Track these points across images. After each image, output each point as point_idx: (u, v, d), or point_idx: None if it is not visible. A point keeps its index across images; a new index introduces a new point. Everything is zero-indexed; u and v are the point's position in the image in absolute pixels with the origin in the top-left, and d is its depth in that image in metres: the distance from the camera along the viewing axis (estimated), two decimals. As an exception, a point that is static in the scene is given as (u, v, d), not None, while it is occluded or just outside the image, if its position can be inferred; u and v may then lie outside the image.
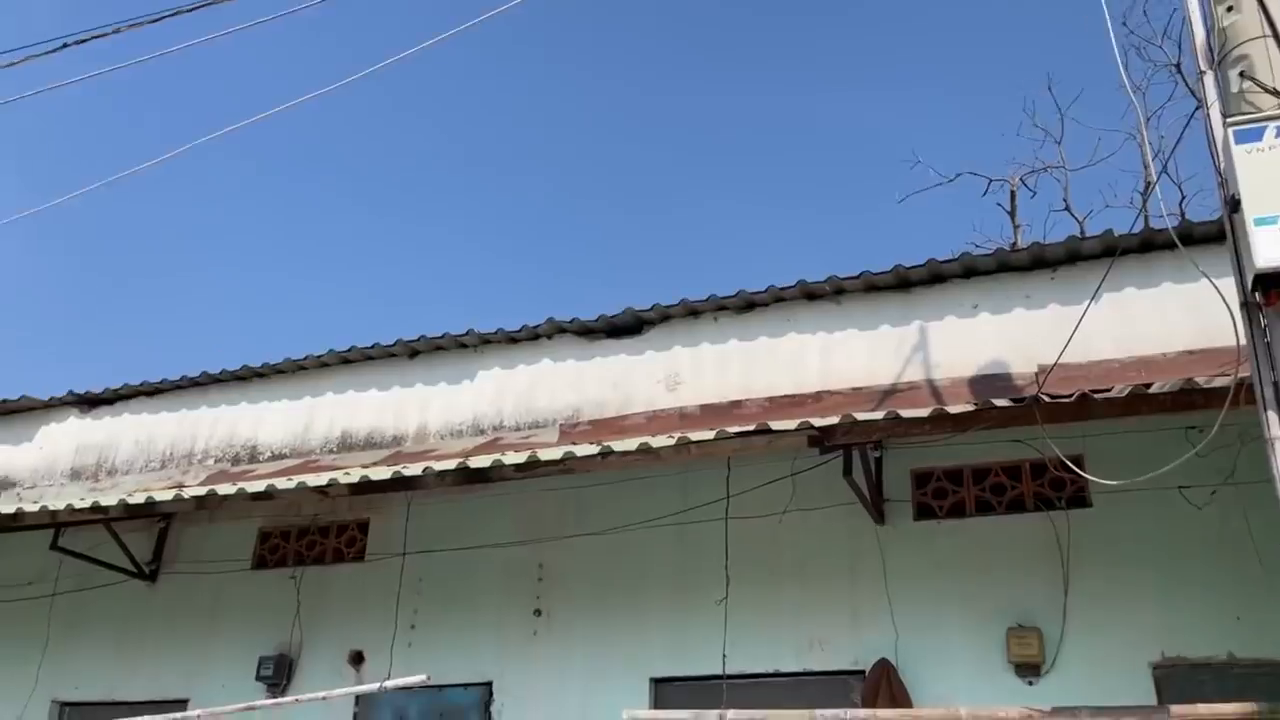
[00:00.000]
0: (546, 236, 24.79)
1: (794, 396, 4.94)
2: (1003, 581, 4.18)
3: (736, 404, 5.01)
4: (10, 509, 4.78)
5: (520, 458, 4.01)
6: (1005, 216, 12.43)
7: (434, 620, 5.08)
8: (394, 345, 5.79)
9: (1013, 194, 12.39)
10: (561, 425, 5.34)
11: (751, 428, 3.74)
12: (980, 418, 3.55)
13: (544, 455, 3.97)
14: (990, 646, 4.08)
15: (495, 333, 5.63)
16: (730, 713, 3.55)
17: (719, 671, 4.35)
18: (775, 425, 3.73)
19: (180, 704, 5.15)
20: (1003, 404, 3.57)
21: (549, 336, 5.60)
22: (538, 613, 4.90)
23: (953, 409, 3.56)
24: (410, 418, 5.66)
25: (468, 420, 5.54)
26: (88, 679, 5.61)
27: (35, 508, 4.77)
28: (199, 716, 4.81)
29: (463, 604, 5.06)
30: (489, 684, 4.84)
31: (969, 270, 4.85)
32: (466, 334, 5.65)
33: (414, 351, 5.83)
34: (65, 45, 4.21)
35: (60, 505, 4.73)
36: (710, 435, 3.78)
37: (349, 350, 5.87)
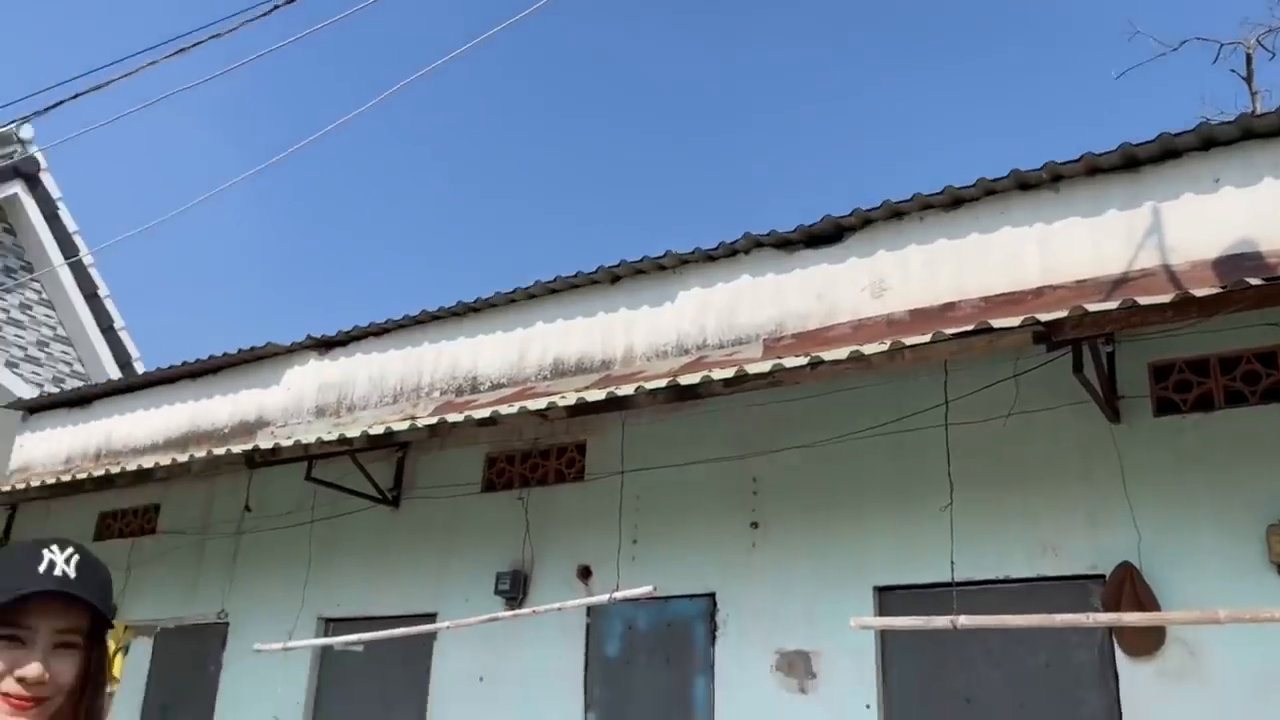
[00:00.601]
0: (739, 148, 24.49)
1: (1011, 295, 4.69)
2: (1260, 476, 3.86)
3: (949, 306, 4.81)
4: (269, 445, 5.25)
5: (728, 372, 4.01)
6: (1240, 84, 11.27)
7: (654, 535, 5.23)
8: (596, 272, 5.89)
9: (1248, 57, 11.20)
10: (765, 340, 5.30)
11: (970, 327, 3.58)
12: (1231, 300, 3.25)
13: (752, 369, 3.96)
14: (1247, 546, 3.80)
15: (693, 252, 5.62)
16: (962, 618, 3.48)
17: (945, 579, 4.26)
18: (996, 323, 3.55)
19: (429, 617, 5.56)
20: (1257, 283, 3.25)
21: (746, 252, 5.54)
22: (754, 525, 4.95)
23: (1199, 292, 3.28)
24: (617, 341, 5.77)
25: (671, 341, 5.59)
26: (346, 596, 6.14)
27: (289, 443, 5.21)
28: (447, 627, 5.18)
29: (681, 518, 5.18)
30: (712, 595, 4.95)
31: (1207, 141, 4.41)
32: (664, 256, 5.67)
33: (615, 277, 5.91)
34: (276, 7, 4.44)
35: (310, 439, 5.14)
36: (925, 339, 3.65)
37: (554, 280, 6.02)
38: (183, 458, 5.69)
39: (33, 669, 1.29)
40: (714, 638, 4.88)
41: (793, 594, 4.72)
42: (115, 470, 5.94)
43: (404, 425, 4.77)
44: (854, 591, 4.52)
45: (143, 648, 6.75)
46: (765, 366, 3.91)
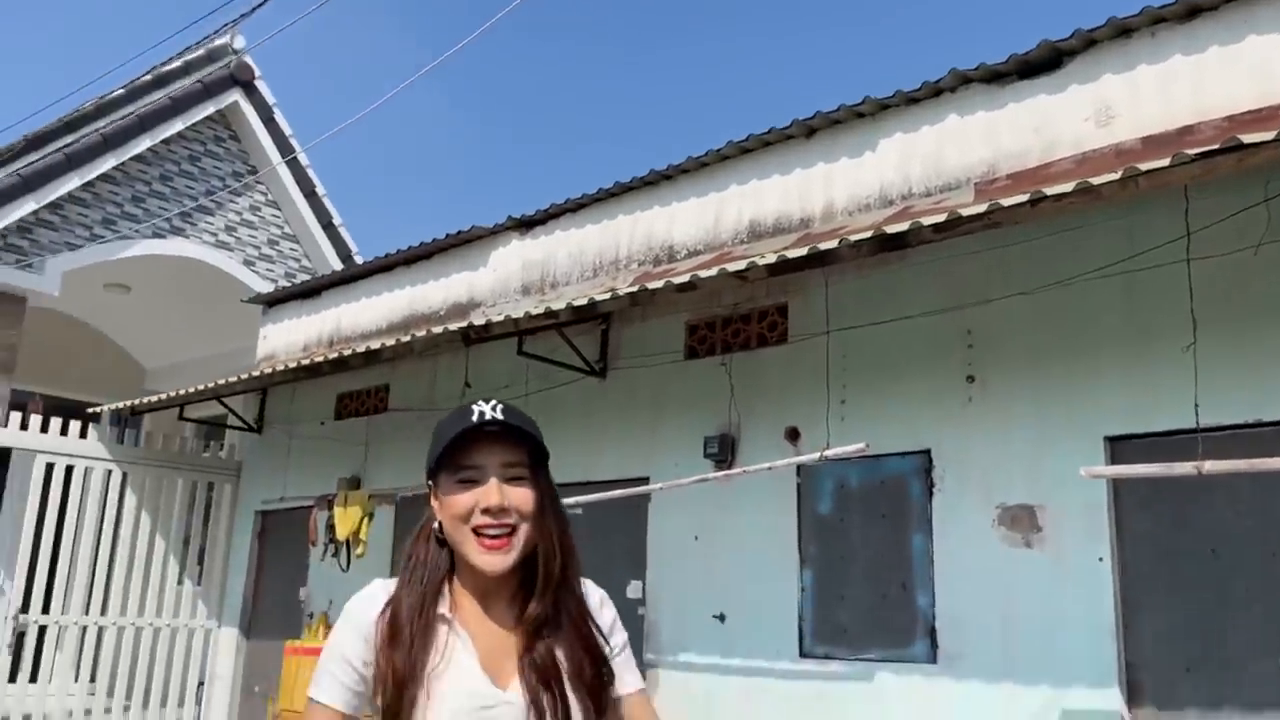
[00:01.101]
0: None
1: (1259, 111, 4.16)
2: None
3: (1186, 130, 4.33)
4: (481, 322, 5.45)
5: (939, 217, 3.78)
6: None
7: (863, 394, 5.12)
8: (790, 127, 5.67)
9: None
10: (976, 184, 4.97)
11: (1216, 146, 3.19)
12: None
13: (966, 211, 3.71)
14: None
15: (893, 96, 5.29)
16: (1208, 463, 3.23)
17: (1186, 425, 3.95)
18: (1246, 139, 3.16)
19: (642, 481, 5.72)
20: None
21: (952, 90, 5.16)
22: (970, 379, 4.75)
23: None
24: (815, 198, 5.58)
25: (873, 192, 5.34)
26: (563, 463, 6.35)
27: (500, 318, 5.39)
28: (659, 489, 5.31)
29: (891, 376, 5.03)
30: (926, 451, 4.82)
31: None
32: (863, 103, 5.38)
33: (810, 130, 5.67)
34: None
35: (519, 314, 5.29)
36: (1164, 163, 3.29)
37: (747, 139, 5.85)
38: (405, 338, 6.01)
39: (492, 497, 1.45)
40: (931, 494, 4.77)
41: (1014, 447, 4.53)
42: (347, 353, 6.35)
43: (605, 295, 4.82)
44: (1083, 443, 4.28)
45: (385, 515, 7.32)
46: (981, 207, 3.65)
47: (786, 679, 5.08)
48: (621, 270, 6.43)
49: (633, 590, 5.94)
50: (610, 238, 6.58)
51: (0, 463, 8.59)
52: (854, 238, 3.99)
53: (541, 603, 1.50)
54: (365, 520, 7.18)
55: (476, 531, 1.46)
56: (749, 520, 5.42)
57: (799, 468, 5.22)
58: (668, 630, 5.65)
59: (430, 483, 1.52)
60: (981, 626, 4.46)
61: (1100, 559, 4.16)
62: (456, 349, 7.14)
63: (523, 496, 1.48)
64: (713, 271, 4.39)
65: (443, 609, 1.49)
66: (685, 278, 4.47)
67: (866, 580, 4.94)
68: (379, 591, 1.52)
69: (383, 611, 1.48)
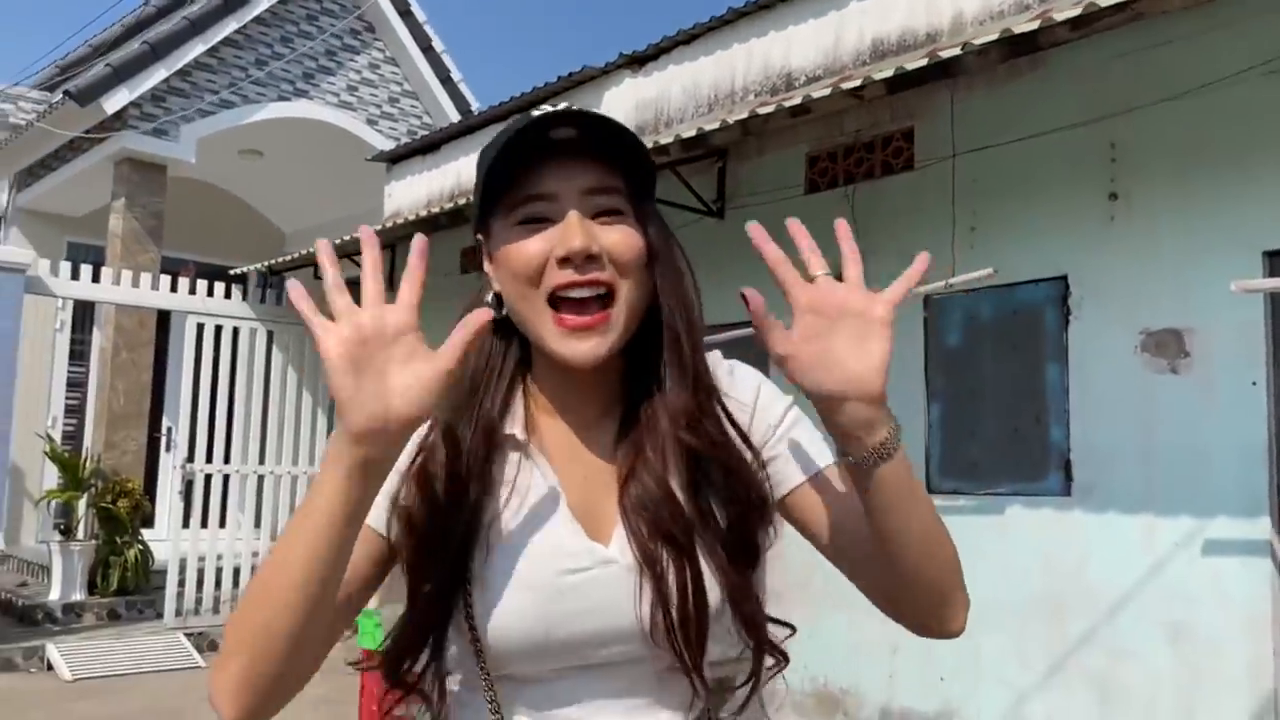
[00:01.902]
0: None
1: None
2: None
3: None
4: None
5: (1073, 11, 3.40)
6: None
7: (995, 219, 4.80)
8: (915, -69, 5.19)
9: None
10: (1126, -21, 4.46)
11: None
12: None
13: (1104, 1, 3.32)
14: None
15: (1032, -116, 4.75)
16: (1384, 268, 2.88)
17: (1362, 234, 3.55)
18: None
19: (762, 321, 5.60)
20: None
21: (1101, -128, 4.59)
22: (1113, 196, 4.38)
23: None
24: (942, 8, 5.13)
25: (1009, -3, 4.87)
26: (683, 307, 6.32)
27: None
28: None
29: (1024, 199, 4.69)
30: (1063, 277, 4.51)
31: None
32: (997, -105, 4.85)
33: (938, -67, 5.18)
34: None
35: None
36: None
37: (867, -51, 5.41)
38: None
39: (574, 236, 0.92)
40: (1067, 322, 4.49)
41: (1160, 268, 4.18)
42: (461, 202, 6.36)
43: (714, 124, 4.61)
44: (1237, 259, 3.90)
45: (512, 364, 7.46)
46: (1121, -6, 3.25)
47: (912, 514, 4.99)
48: (738, 103, 6.15)
49: (756, 430, 5.91)
50: (725, 69, 6.28)
51: (162, 325, 9.14)
52: (979, 41, 3.64)
53: (687, 415, 0.99)
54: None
55: (554, 299, 0.95)
56: (873, 356, 5.25)
57: (926, 300, 5.00)
58: (791, 469, 5.62)
59: (479, 237, 1.03)
60: (1119, 457, 4.24)
61: (1254, 382, 3.85)
62: (573, 196, 7.07)
63: (622, 238, 0.96)
64: (826, 91, 4.12)
65: (513, 429, 1.00)
66: (797, 98, 4.21)
67: (997, 414, 4.74)
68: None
69: (433, 424, 0.98)
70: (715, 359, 1.12)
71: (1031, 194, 4.65)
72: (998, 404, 4.74)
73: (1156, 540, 4.10)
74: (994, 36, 3.64)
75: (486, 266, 1.04)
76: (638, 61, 6.88)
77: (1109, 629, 4.23)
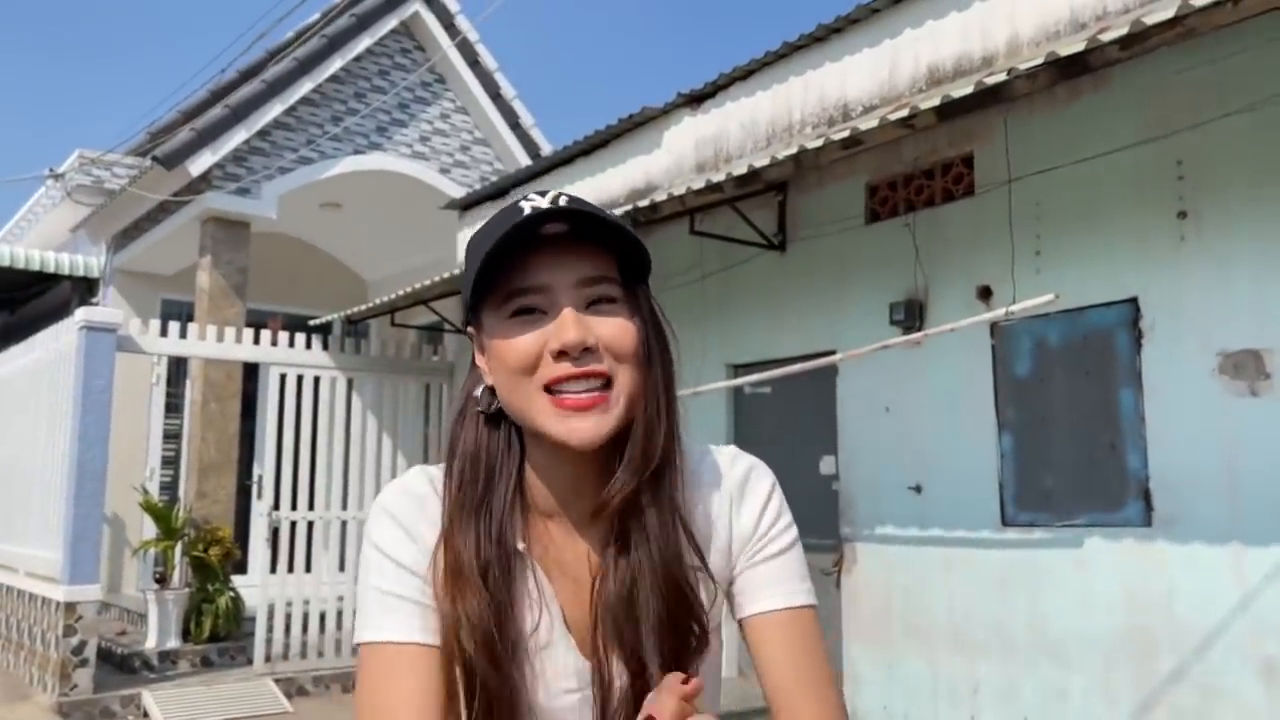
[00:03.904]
0: None
1: None
2: None
3: None
4: (645, 202, 5.37)
5: (1120, 30, 3.31)
6: None
7: (1059, 243, 4.68)
8: (966, -45, 5.13)
9: None
10: (1187, -10, 4.33)
11: None
12: None
13: (1151, 19, 3.22)
14: None
15: (1083, -99, 4.66)
16: None
17: None
18: None
19: (828, 355, 5.53)
20: None
21: (1155, -116, 4.48)
22: (1182, 215, 4.23)
23: None
24: (996, 32, 5.05)
25: (1063, 17, 4.76)
26: (747, 343, 6.30)
27: (664, 196, 5.28)
28: (841, 359, 5.12)
29: (1088, 221, 4.56)
30: (1133, 299, 4.37)
31: None
32: (1048, -86, 4.77)
33: (990, -45, 5.11)
34: None
35: (681, 190, 5.16)
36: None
37: (919, -24, 5.36)
38: (577, 227, 6.02)
39: (568, 330, 0.91)
40: (1139, 345, 4.34)
41: (1235, 287, 4.02)
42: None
43: (765, 160, 4.60)
44: (1317, 275, 3.73)
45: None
46: (1171, 10, 3.16)
47: (988, 548, 4.86)
48: (795, 136, 6.14)
49: (825, 466, 5.83)
50: (782, 103, 6.28)
51: (249, 376, 9.45)
52: (1025, 66, 3.57)
53: (624, 493, 0.94)
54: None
55: (551, 388, 0.93)
56: (942, 387, 5.15)
57: (993, 328, 4.89)
58: (863, 504, 5.52)
59: (470, 329, 1.03)
60: (1202, 485, 4.06)
61: (1341, 405, 3.66)
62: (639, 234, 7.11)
63: (617, 329, 0.94)
64: (874, 122, 4.08)
65: (514, 538, 0.98)
66: (846, 130, 4.18)
67: (1071, 442, 4.60)
68: (424, 488, 1.02)
69: (438, 544, 0.97)
70: (731, 455, 1.09)
71: (1096, 216, 4.53)
72: (1071, 432, 4.59)
73: (1245, 571, 3.90)
74: (1042, 60, 3.57)
75: (479, 359, 1.03)
76: (696, 100, 6.92)
77: (1199, 665, 4.03)
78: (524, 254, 0.94)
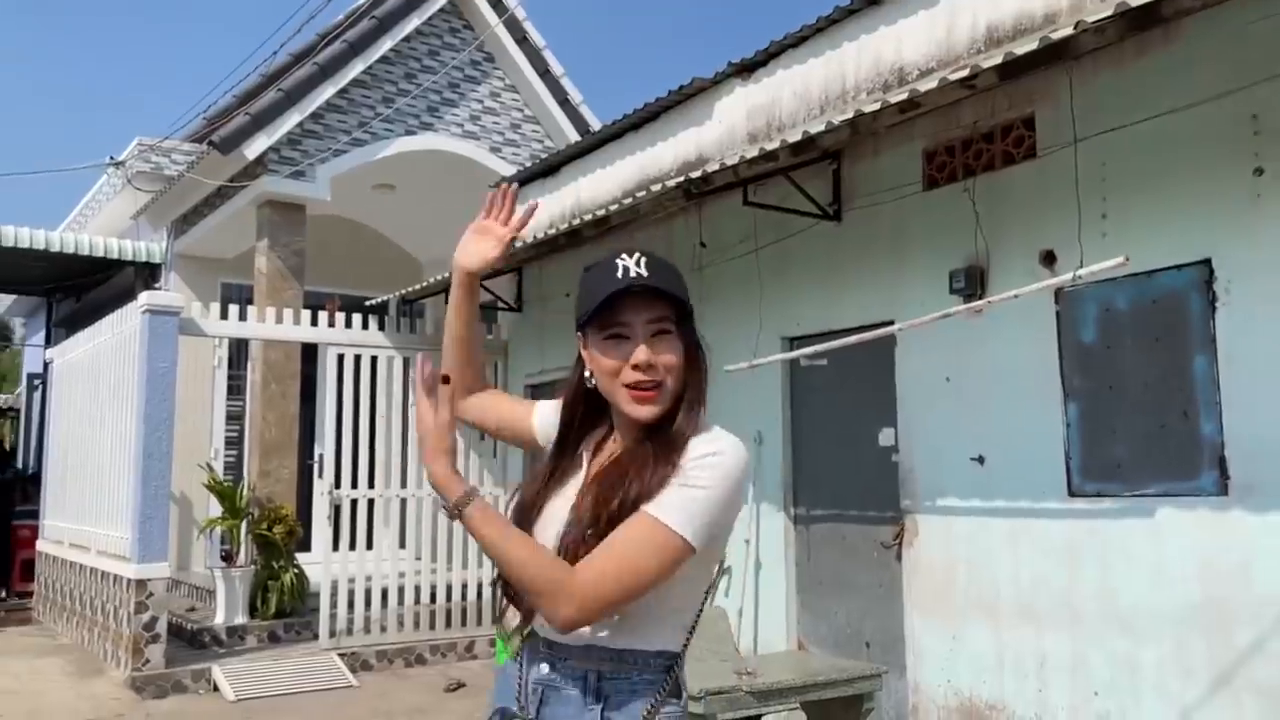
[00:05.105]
0: None
1: None
2: None
3: None
4: (698, 173, 5.30)
5: (1199, -24, 3.17)
6: None
7: (1126, 205, 4.53)
8: (1026, -91, 4.96)
9: None
10: (1262, -63, 4.14)
11: None
12: None
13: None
14: None
15: None
16: None
17: None
18: None
19: (886, 325, 5.44)
20: None
21: None
22: (1259, 172, 4.06)
23: None
24: (1060, -13, 4.89)
25: (1132, -32, 4.58)
26: (803, 315, 6.21)
27: (715, 166, 5.21)
28: (900, 329, 5.03)
29: (1157, 181, 4.41)
30: (1206, 261, 4.21)
31: None
32: None
33: (1051, -92, 4.94)
34: None
35: (735, 160, 5.09)
36: None
37: (976, -67, 5.20)
38: (629, 201, 5.97)
39: (640, 354, 1.51)
40: (1214, 308, 4.19)
41: (1315, 245, 3.85)
42: (578, 222, 6.42)
43: (820, 126, 4.51)
44: (1405, 230, 3.56)
45: (637, 379, 7.47)
46: (1248, -45, 3.01)
47: (1055, 519, 4.75)
48: (849, 102, 6.01)
49: (885, 438, 5.74)
50: (835, 70, 6.15)
51: (308, 357, 9.58)
52: (1092, 19, 3.44)
53: (638, 441, 1.58)
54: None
55: (627, 385, 1.53)
56: (1004, 356, 5.03)
57: (1057, 294, 4.76)
58: (924, 476, 5.43)
59: (580, 333, 1.60)
60: (1281, 452, 3.92)
61: None
62: (690, 211, 7.05)
63: (668, 351, 1.53)
64: (932, 83, 3.97)
65: (588, 441, 1.68)
66: (904, 93, 4.07)
67: (1140, 410, 4.46)
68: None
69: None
70: (713, 434, 1.57)
71: (1166, 175, 4.37)
72: (1141, 400, 4.46)
73: (1328, 541, 3.76)
74: (1111, 12, 3.43)
75: (584, 354, 1.61)
76: (747, 69, 6.82)
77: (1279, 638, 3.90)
78: (616, 299, 1.53)
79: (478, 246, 1.80)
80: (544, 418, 1.76)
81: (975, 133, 5.26)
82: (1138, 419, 4.47)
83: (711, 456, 1.50)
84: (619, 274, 1.51)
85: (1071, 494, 4.68)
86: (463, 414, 1.81)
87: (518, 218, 1.81)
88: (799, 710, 4.82)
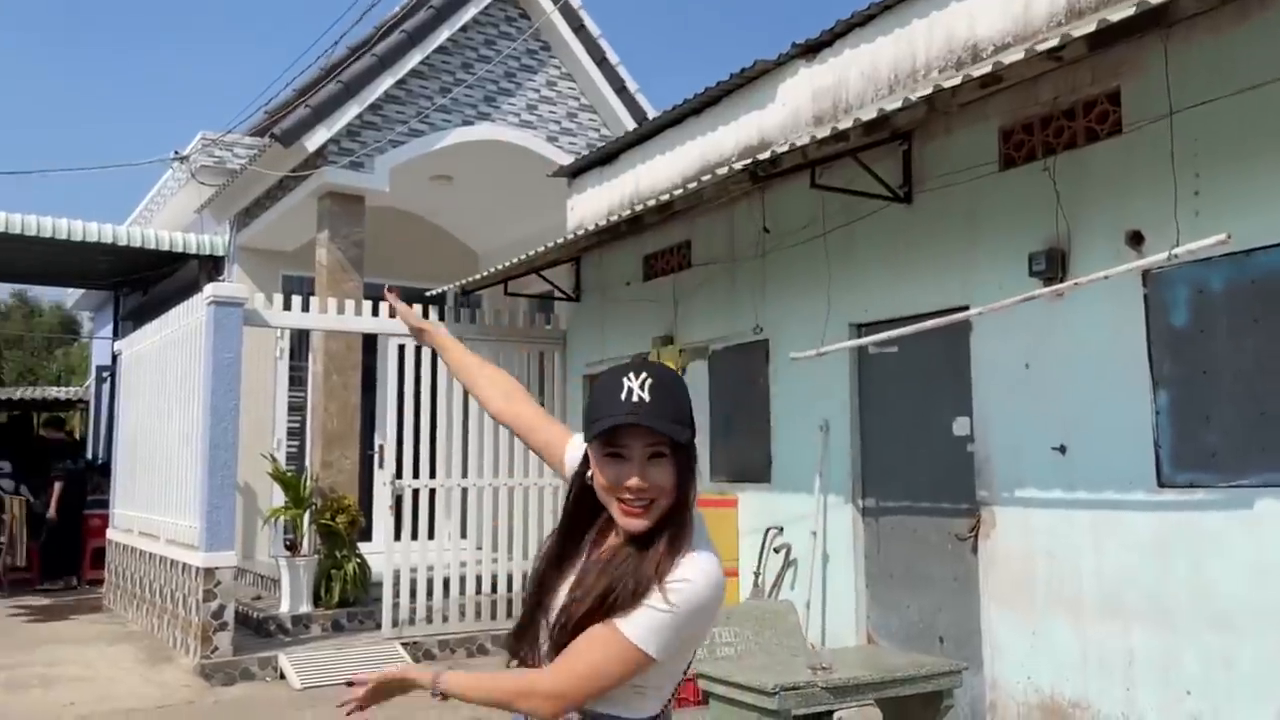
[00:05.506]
0: None
1: None
2: None
3: None
4: (766, 155, 5.16)
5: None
6: None
7: (1223, 180, 4.31)
8: (1110, -127, 4.74)
9: None
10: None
11: None
12: None
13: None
14: None
15: None
16: None
17: None
18: None
19: (960, 311, 5.26)
20: None
21: None
22: (1369, 142, 3.83)
23: None
24: (1148, -47, 4.66)
25: (1226, -69, 4.36)
26: (872, 300, 6.05)
27: (778, 150, 5.07)
28: (978, 313, 4.86)
29: (1256, 156, 4.18)
30: (1310, 239, 3.99)
31: None
32: None
33: (1137, -128, 4.71)
34: None
35: (801, 141, 4.95)
36: None
37: (1056, -99, 4.98)
38: (694, 185, 5.86)
39: (633, 481, 1.61)
40: (1317, 289, 3.96)
41: None
42: (639, 208, 6.32)
43: (896, 103, 4.35)
44: None
45: (700, 368, 7.37)
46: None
47: (1142, 511, 4.55)
48: (919, 81, 5.83)
49: (959, 427, 5.57)
50: (905, 47, 5.97)
51: (369, 348, 9.60)
52: (1196, -20, 3.25)
53: (627, 542, 1.67)
54: (679, 374, 7.26)
55: (620, 499, 1.64)
56: (1087, 341, 4.84)
57: (1145, 276, 4.55)
58: (1002, 466, 5.25)
59: (586, 442, 1.69)
60: (1394, 441, 3.69)
61: None
62: (752, 195, 6.92)
63: (662, 475, 1.62)
64: (1020, 54, 3.79)
65: (590, 532, 1.77)
66: (987, 65, 3.90)
67: (1237, 396, 4.25)
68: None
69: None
70: (693, 558, 1.64)
71: (1266, 149, 4.15)
72: (1237, 385, 4.24)
73: None
74: (1213, -26, 3.24)
75: (591, 461, 1.69)
76: (811, 50, 6.65)
77: (1392, 637, 3.68)
78: (617, 428, 1.62)
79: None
80: (573, 455, 1.85)
81: (1055, 109, 5.05)
82: (1234, 406, 4.25)
83: (683, 583, 1.60)
84: (623, 396, 1.59)
85: (1161, 485, 4.48)
86: (499, 416, 2.09)
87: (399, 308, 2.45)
88: (872, 706, 4.69)
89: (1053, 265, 4.95)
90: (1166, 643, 4.43)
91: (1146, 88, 4.60)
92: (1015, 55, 4.14)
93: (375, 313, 8.36)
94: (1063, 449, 4.92)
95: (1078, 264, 4.86)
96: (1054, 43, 3.68)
